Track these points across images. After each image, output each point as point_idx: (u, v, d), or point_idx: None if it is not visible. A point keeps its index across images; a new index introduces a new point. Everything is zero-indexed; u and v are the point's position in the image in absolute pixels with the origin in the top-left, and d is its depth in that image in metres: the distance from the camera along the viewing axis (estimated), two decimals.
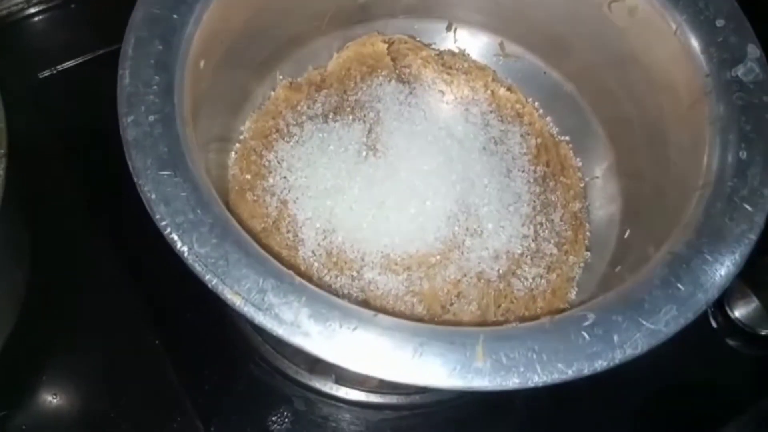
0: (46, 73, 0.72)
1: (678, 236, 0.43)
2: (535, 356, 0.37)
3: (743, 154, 0.44)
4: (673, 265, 0.41)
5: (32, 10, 0.74)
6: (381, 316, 0.38)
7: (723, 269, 0.40)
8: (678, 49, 0.49)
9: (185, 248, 0.38)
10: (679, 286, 0.39)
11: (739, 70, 0.46)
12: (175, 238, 0.38)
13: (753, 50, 0.47)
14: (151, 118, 0.41)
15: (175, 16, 0.45)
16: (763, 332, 0.65)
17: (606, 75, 0.58)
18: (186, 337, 0.60)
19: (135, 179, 0.40)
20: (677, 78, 0.50)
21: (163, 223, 0.39)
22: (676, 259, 0.41)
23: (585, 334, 0.38)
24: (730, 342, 0.66)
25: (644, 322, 0.38)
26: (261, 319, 0.37)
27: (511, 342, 0.37)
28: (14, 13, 0.74)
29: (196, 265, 0.38)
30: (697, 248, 0.41)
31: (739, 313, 0.65)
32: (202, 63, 0.48)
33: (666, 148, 0.52)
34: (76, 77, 0.72)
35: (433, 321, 0.52)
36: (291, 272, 0.39)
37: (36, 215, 0.63)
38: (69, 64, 0.73)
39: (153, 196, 0.39)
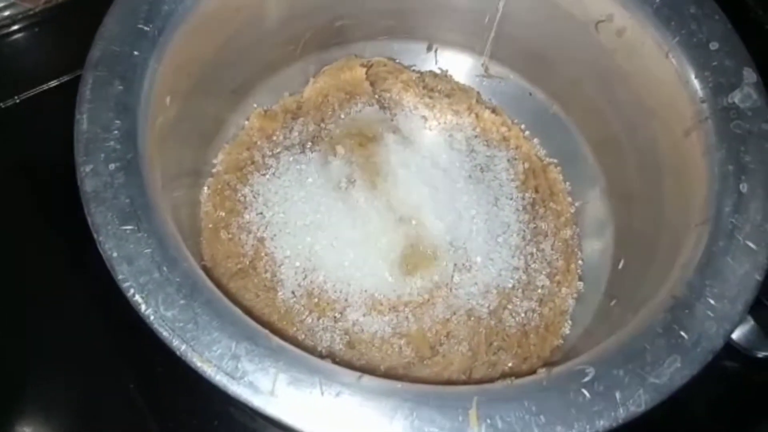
0: (9, 103, 0.68)
1: (678, 276, 0.40)
2: (532, 418, 0.34)
3: (743, 187, 0.41)
4: (675, 310, 0.38)
5: None
6: (366, 379, 0.35)
7: (728, 315, 0.38)
8: (670, 73, 0.47)
9: (150, 311, 0.35)
10: (683, 334, 0.37)
11: (736, 96, 0.44)
12: (139, 300, 0.35)
13: (749, 74, 0.44)
14: (112, 166, 0.38)
15: (136, 52, 0.42)
16: (761, 355, 0.63)
17: (594, 96, 0.56)
18: (162, 380, 0.57)
19: (95, 236, 0.37)
20: (670, 103, 0.48)
21: (126, 284, 0.36)
22: (678, 304, 0.38)
23: (585, 392, 0.35)
24: (727, 364, 0.64)
25: (647, 376, 0.36)
26: (235, 389, 0.34)
27: (507, 403, 0.34)
28: None
29: (162, 330, 0.35)
30: (700, 291, 0.38)
31: (735, 335, 0.63)
32: (168, 99, 0.45)
33: (660, 176, 0.49)
34: (39, 106, 0.68)
35: (422, 363, 0.50)
36: (266, 332, 0.36)
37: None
38: (31, 92, 0.69)
39: (115, 254, 0.36)
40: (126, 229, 0.37)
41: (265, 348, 0.35)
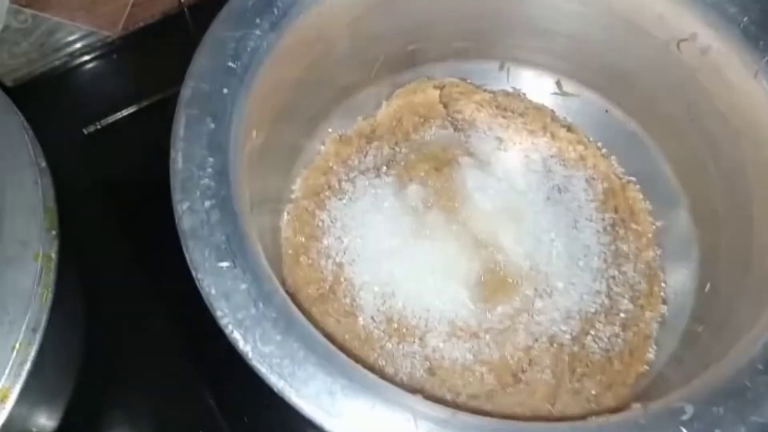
0: (91, 129, 0.71)
1: None
2: None
3: None
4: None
5: (74, 63, 0.73)
6: (461, 416, 0.35)
7: None
8: (758, 95, 0.45)
9: (249, 348, 0.36)
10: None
11: None
12: (238, 337, 0.36)
13: None
14: (207, 203, 0.40)
15: (225, 90, 0.43)
16: None
17: (674, 114, 0.54)
18: (244, 404, 0.58)
19: (193, 273, 0.38)
20: (758, 124, 0.46)
21: (225, 320, 0.37)
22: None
23: (684, 431, 0.34)
24: None
25: (749, 415, 0.35)
26: (330, 425, 0.34)
27: None
28: (57, 68, 0.73)
29: (261, 367, 0.36)
30: None
31: None
32: (254, 133, 0.46)
33: (749, 198, 0.48)
34: (120, 131, 0.71)
35: (504, 391, 0.50)
36: (361, 369, 0.37)
37: (88, 279, 0.61)
38: (113, 117, 0.72)
39: (213, 291, 0.37)
40: (222, 266, 0.38)
41: (360, 384, 0.36)
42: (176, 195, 0.40)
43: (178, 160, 0.41)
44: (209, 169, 0.40)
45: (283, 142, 0.54)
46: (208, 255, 0.38)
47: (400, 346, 0.51)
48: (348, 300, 0.52)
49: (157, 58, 0.74)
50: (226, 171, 0.41)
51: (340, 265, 0.53)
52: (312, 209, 0.56)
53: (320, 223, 0.55)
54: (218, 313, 0.37)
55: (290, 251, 0.54)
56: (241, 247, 0.39)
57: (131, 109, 0.71)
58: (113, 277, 0.63)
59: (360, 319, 0.52)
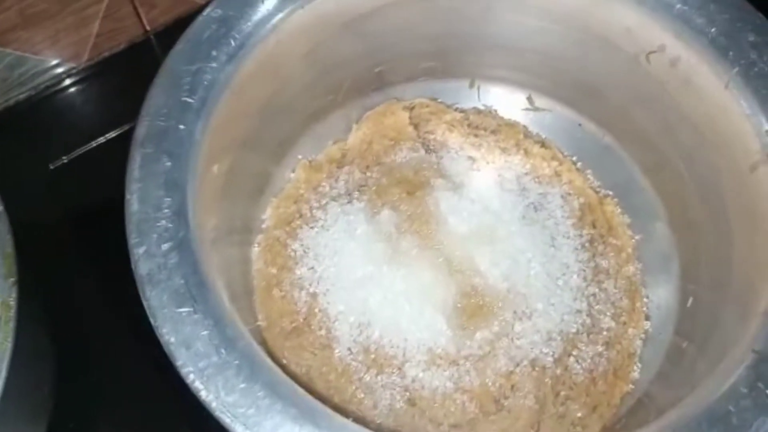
0: (57, 163, 0.69)
1: (759, 327, 0.38)
2: None
3: None
4: (759, 366, 0.36)
5: (39, 97, 0.71)
6: None
7: None
8: (730, 105, 0.45)
9: (211, 397, 0.34)
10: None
11: None
12: (200, 386, 0.35)
13: None
14: (165, 246, 0.38)
15: (181, 126, 0.42)
16: None
17: (648, 127, 0.53)
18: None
19: (152, 321, 0.36)
20: (731, 135, 0.45)
21: (186, 370, 0.35)
22: (761, 359, 0.36)
23: None
24: None
25: None
26: None
27: None
28: (21, 102, 0.71)
29: (224, 417, 0.34)
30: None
31: None
32: (215, 168, 0.45)
33: (726, 210, 0.47)
34: (88, 163, 0.69)
35: (487, 419, 0.48)
36: (330, 412, 0.35)
37: (56, 315, 0.59)
38: (79, 151, 0.70)
39: (172, 339, 0.36)
40: (182, 312, 0.36)
41: (327, 429, 0.34)
42: (132, 238, 0.38)
43: (133, 202, 0.39)
44: (166, 210, 0.39)
45: (250, 171, 0.53)
46: (167, 301, 0.37)
47: (379, 378, 0.50)
48: (323, 332, 0.51)
49: (124, 88, 0.72)
50: (184, 210, 0.39)
51: (314, 295, 0.52)
52: (283, 239, 0.54)
53: (292, 253, 0.54)
54: (178, 363, 0.35)
55: (262, 284, 0.53)
56: (202, 290, 0.37)
57: (99, 141, 0.70)
58: (82, 312, 0.61)
59: (336, 351, 0.50)
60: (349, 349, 0.50)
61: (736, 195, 0.46)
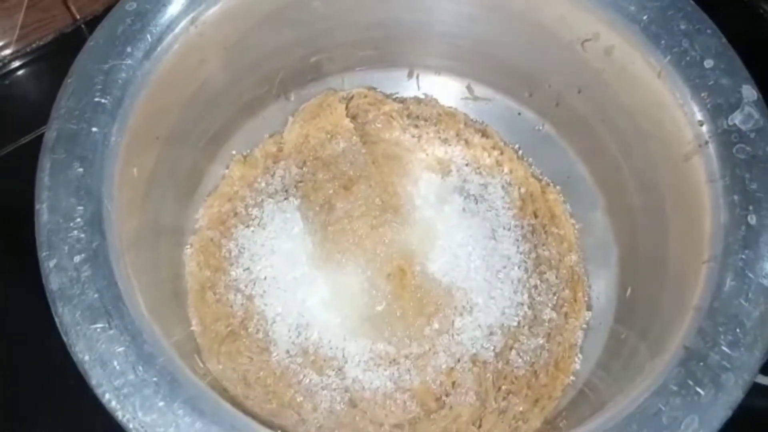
0: None
1: (689, 322, 0.38)
2: None
3: (752, 219, 0.39)
4: (688, 363, 0.36)
5: None
6: None
7: (745, 364, 0.35)
8: (664, 94, 0.44)
9: (128, 418, 0.33)
10: (699, 390, 0.35)
11: (737, 118, 0.41)
12: (116, 406, 0.33)
13: (749, 92, 0.41)
14: (77, 258, 0.36)
15: (94, 129, 0.39)
16: None
17: (585, 115, 0.53)
18: None
19: (64, 338, 0.34)
20: (666, 125, 0.45)
21: (101, 389, 0.33)
22: (691, 356, 0.36)
23: None
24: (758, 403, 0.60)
25: None
26: None
27: None
28: None
29: None
30: (714, 339, 0.36)
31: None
32: (135, 170, 0.43)
33: (661, 199, 0.47)
34: (15, 162, 0.66)
35: (428, 418, 0.48)
36: (255, 426, 0.34)
37: None
38: (6, 149, 0.67)
39: (86, 358, 0.34)
40: (96, 328, 0.35)
41: None
42: (42, 251, 0.36)
43: (43, 211, 0.37)
44: (78, 219, 0.37)
45: (179, 169, 0.51)
46: (80, 317, 0.35)
47: (319, 380, 0.49)
48: (260, 335, 0.50)
49: (53, 81, 0.69)
50: (98, 219, 0.37)
51: (250, 297, 0.51)
52: (218, 239, 0.53)
53: (227, 254, 0.52)
54: (93, 382, 0.34)
55: (195, 287, 0.51)
56: (118, 304, 0.35)
57: (28, 138, 0.66)
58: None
59: (274, 354, 0.49)
60: (287, 351, 0.49)
61: (671, 184, 0.46)
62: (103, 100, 0.40)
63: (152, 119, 0.44)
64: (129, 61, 0.41)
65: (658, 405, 0.34)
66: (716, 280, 0.38)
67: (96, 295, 0.35)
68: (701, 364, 0.35)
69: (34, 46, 0.70)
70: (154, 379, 0.34)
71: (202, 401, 0.34)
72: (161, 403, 0.33)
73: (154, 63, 0.43)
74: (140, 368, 0.34)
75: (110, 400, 0.33)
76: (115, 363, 0.34)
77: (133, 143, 0.42)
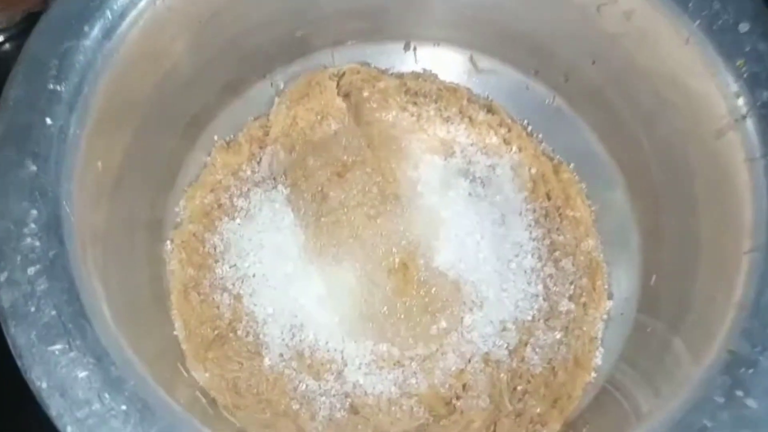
0: None
1: (731, 321, 0.33)
2: None
3: None
4: (734, 370, 0.31)
5: None
6: None
7: None
8: (693, 63, 0.39)
9: None
10: (749, 402, 0.30)
11: None
12: None
13: None
14: (32, 270, 0.32)
15: (49, 120, 0.35)
16: None
17: (601, 87, 0.48)
18: None
19: (18, 362, 0.30)
20: (695, 97, 0.40)
21: (62, 421, 0.29)
22: (737, 362, 0.32)
23: None
24: None
25: None
26: None
27: None
28: None
29: None
30: (763, 343, 0.32)
31: None
32: (100, 164, 0.38)
33: (690, 180, 0.42)
34: None
35: (438, 425, 0.44)
36: None
37: None
38: None
39: (44, 385, 0.30)
40: (55, 350, 0.30)
41: None
42: None
43: None
44: (32, 225, 0.33)
45: (154, 159, 0.46)
46: (36, 337, 0.30)
47: (316, 385, 0.45)
48: (251, 338, 0.46)
49: None
50: (55, 223, 0.33)
51: (238, 297, 0.47)
52: (201, 234, 0.48)
53: (212, 250, 0.48)
54: (53, 413, 0.29)
55: (178, 287, 0.47)
56: (79, 321, 0.31)
57: None
58: None
59: (266, 358, 0.45)
60: (281, 355, 0.45)
61: (700, 163, 0.41)
62: (58, 88, 0.35)
63: (118, 106, 0.39)
64: (87, 42, 0.37)
65: (702, 421, 0.30)
66: (762, 273, 0.33)
67: (54, 312, 0.31)
68: (750, 371, 0.31)
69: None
70: (123, 407, 0.30)
71: (177, 430, 0.30)
72: None
73: (117, 43, 0.38)
74: (106, 395, 0.30)
75: None
76: (78, 390, 0.30)
77: (97, 135, 0.37)
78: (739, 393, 0.30)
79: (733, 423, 0.30)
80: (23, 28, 0.63)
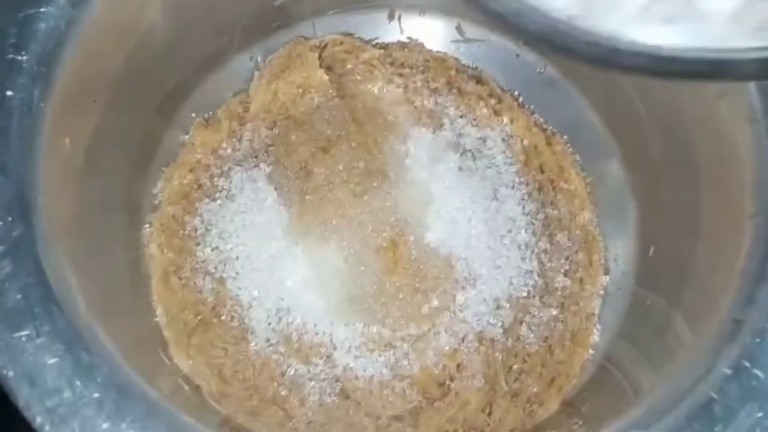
0: None
1: (735, 289, 0.32)
2: None
3: None
4: (740, 339, 0.30)
5: None
6: None
7: None
8: None
9: None
10: (757, 372, 0.29)
11: None
12: (50, 431, 0.27)
13: None
14: None
15: (9, 92, 0.32)
16: None
17: None
18: None
19: None
20: None
21: (30, 411, 0.27)
22: (743, 330, 0.30)
23: None
24: None
25: None
26: None
27: None
28: None
29: None
30: None
31: None
32: (67, 141, 0.36)
33: (690, 146, 0.41)
34: None
35: (432, 407, 0.42)
36: None
37: None
38: None
39: (10, 374, 0.28)
40: (21, 336, 0.28)
41: None
42: None
43: None
44: None
45: (128, 136, 0.44)
46: (0, 323, 0.28)
47: (305, 370, 0.43)
48: (235, 322, 0.44)
49: None
50: (19, 202, 0.31)
51: (221, 281, 0.45)
52: (180, 216, 0.47)
53: (192, 232, 0.46)
54: (21, 403, 0.27)
55: (158, 272, 0.45)
56: (47, 305, 0.29)
57: None
58: None
59: (252, 343, 0.44)
60: (267, 339, 0.44)
61: (700, 126, 0.39)
62: (18, 57, 0.33)
63: (86, 79, 0.37)
64: (49, 9, 0.34)
65: (709, 392, 0.29)
66: (764, 241, 0.32)
67: (19, 296, 0.29)
68: (757, 340, 0.29)
69: None
70: (96, 395, 0.28)
71: (155, 418, 0.28)
72: (105, 425, 0.27)
73: (82, 10, 0.35)
74: (78, 383, 0.28)
75: (43, 424, 0.27)
76: (47, 378, 0.28)
77: (63, 108, 0.35)
78: (746, 363, 0.29)
79: (740, 396, 0.28)
80: None
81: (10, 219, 0.30)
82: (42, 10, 0.34)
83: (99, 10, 0.36)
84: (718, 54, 0.19)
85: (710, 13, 0.19)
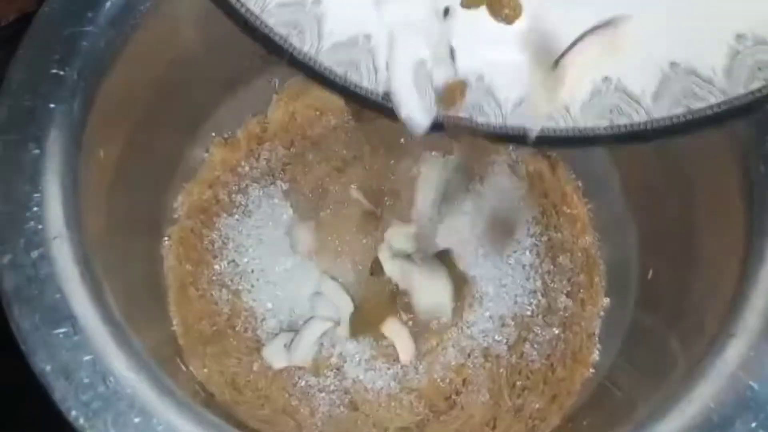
0: None
1: (732, 305, 0.33)
2: None
3: None
4: (736, 352, 0.31)
5: None
6: None
7: None
8: None
9: None
10: (753, 384, 0.30)
11: None
12: (84, 424, 0.29)
13: None
14: (35, 253, 0.31)
15: (52, 105, 0.34)
16: None
17: None
18: None
19: (21, 347, 0.30)
20: None
21: (67, 404, 0.29)
22: (739, 344, 0.32)
23: None
24: None
25: None
26: None
27: None
28: None
29: None
30: (764, 324, 0.32)
31: None
32: (102, 153, 0.38)
33: (686, 173, 0.42)
34: None
35: (438, 420, 0.44)
36: None
37: None
38: None
39: (48, 368, 0.29)
40: (59, 334, 0.30)
41: None
42: None
43: None
44: (35, 209, 0.32)
45: (154, 153, 0.46)
46: (40, 321, 0.30)
47: (316, 381, 0.44)
48: (249, 333, 0.46)
49: None
50: (59, 207, 0.32)
51: (236, 293, 0.46)
52: (199, 230, 0.48)
53: (210, 246, 0.48)
54: (57, 396, 0.29)
55: (176, 283, 0.46)
56: (83, 305, 0.30)
57: None
58: None
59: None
60: None
61: (699, 156, 0.41)
62: (61, 72, 0.35)
63: (121, 95, 0.39)
64: (91, 28, 0.36)
65: (706, 403, 0.30)
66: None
67: (58, 296, 0.30)
68: (752, 354, 0.31)
69: None
70: (128, 390, 0.29)
71: (185, 414, 0.29)
72: (137, 419, 0.29)
73: (120, 30, 0.37)
74: (111, 379, 0.29)
75: (77, 417, 0.29)
76: (82, 374, 0.29)
77: (99, 122, 0.37)
78: (742, 375, 0.30)
79: (735, 407, 0.30)
80: (16, 30, 0.63)
81: (50, 221, 0.32)
82: (85, 29, 0.36)
83: (135, 32, 0.38)
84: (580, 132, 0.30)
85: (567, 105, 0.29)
